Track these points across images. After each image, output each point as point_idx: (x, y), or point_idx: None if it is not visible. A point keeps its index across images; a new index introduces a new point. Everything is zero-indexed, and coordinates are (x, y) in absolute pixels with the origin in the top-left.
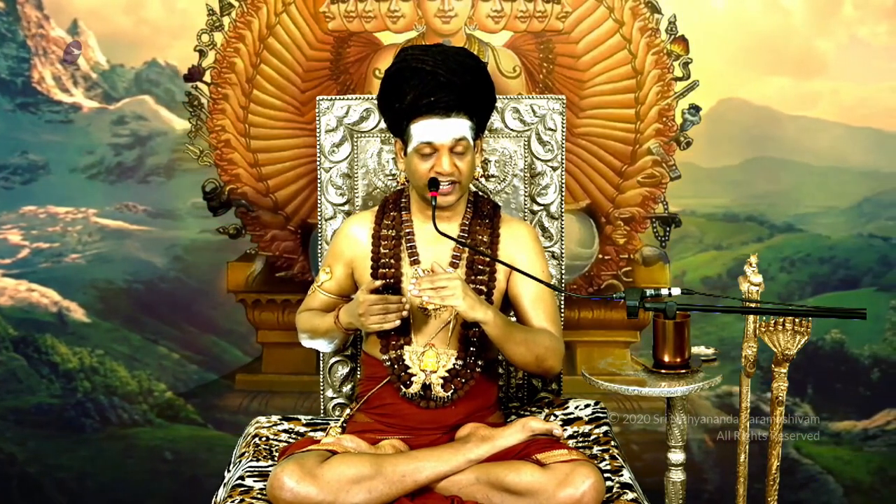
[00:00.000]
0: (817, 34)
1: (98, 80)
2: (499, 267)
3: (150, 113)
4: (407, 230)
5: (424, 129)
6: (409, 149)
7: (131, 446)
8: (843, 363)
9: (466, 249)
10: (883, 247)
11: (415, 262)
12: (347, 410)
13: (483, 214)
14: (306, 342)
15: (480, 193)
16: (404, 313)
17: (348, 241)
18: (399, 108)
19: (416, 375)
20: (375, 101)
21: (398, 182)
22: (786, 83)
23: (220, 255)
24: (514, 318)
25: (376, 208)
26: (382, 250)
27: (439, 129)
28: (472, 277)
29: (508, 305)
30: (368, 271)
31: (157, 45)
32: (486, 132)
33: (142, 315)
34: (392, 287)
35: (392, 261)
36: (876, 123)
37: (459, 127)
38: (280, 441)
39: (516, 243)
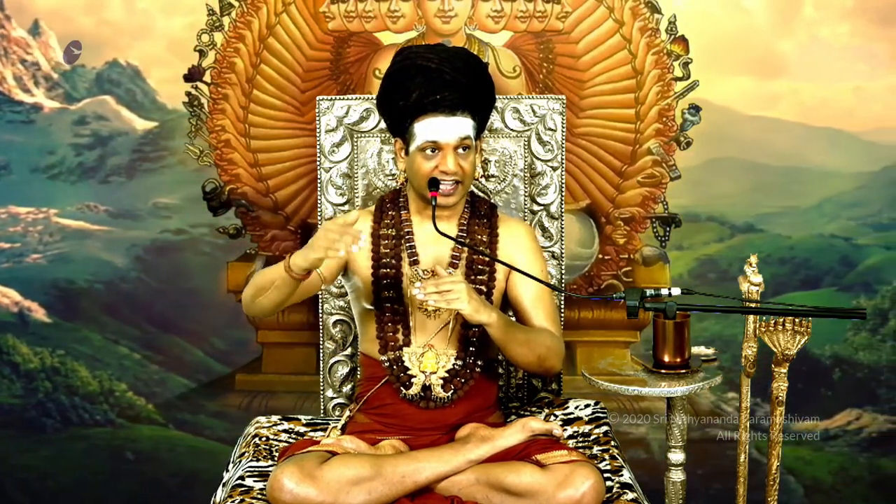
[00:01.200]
0: (778, 35)
1: (59, 80)
2: (498, 267)
3: (112, 113)
4: (406, 230)
5: (429, 128)
6: (412, 147)
7: (93, 446)
8: (805, 363)
9: (465, 249)
10: (843, 247)
11: (414, 262)
12: (347, 412)
13: (481, 214)
14: (249, 303)
15: (477, 193)
16: (360, 245)
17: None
18: (403, 106)
19: (415, 377)
20: (375, 101)
21: (398, 182)
22: (747, 83)
23: (180, 255)
24: (512, 318)
25: (373, 207)
26: (383, 250)
27: (444, 128)
28: (472, 277)
29: (506, 305)
30: (366, 268)
31: (118, 45)
32: (486, 132)
33: (103, 315)
34: (393, 286)
35: (392, 260)
36: (836, 124)
37: (464, 126)
38: (280, 441)
39: (515, 243)
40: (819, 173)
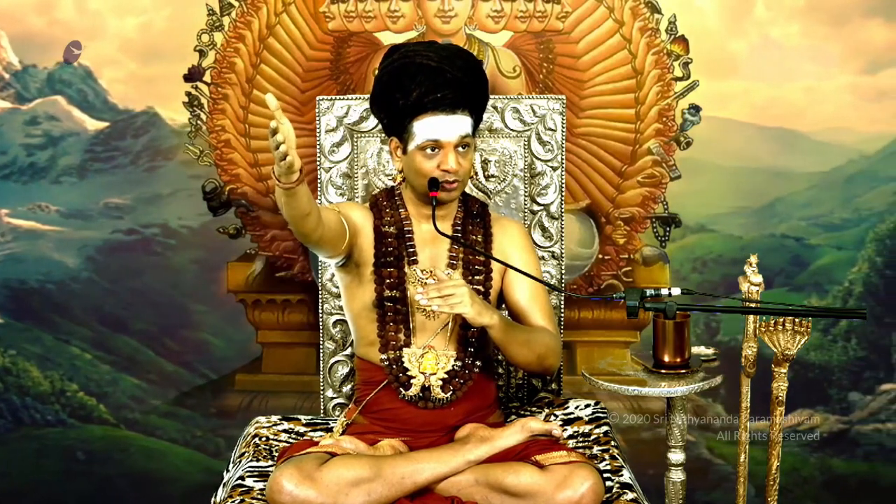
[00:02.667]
0: (730, 35)
1: (10, 80)
2: (494, 266)
3: (63, 113)
4: (407, 229)
5: (430, 126)
6: (411, 146)
7: (44, 447)
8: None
9: (462, 249)
10: (795, 247)
11: (413, 262)
12: (343, 419)
13: (473, 213)
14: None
15: (468, 192)
16: (283, 136)
17: (359, 212)
18: (402, 105)
19: (415, 377)
20: (370, 101)
21: (395, 182)
22: (699, 84)
23: (132, 256)
24: (505, 314)
25: (368, 204)
26: (385, 248)
27: (446, 126)
28: (469, 277)
29: (500, 303)
30: (370, 260)
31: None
32: (486, 132)
33: (54, 315)
34: (396, 286)
35: (395, 259)
36: (787, 123)
37: (464, 124)
38: (280, 441)
39: (510, 242)
40: (771, 173)
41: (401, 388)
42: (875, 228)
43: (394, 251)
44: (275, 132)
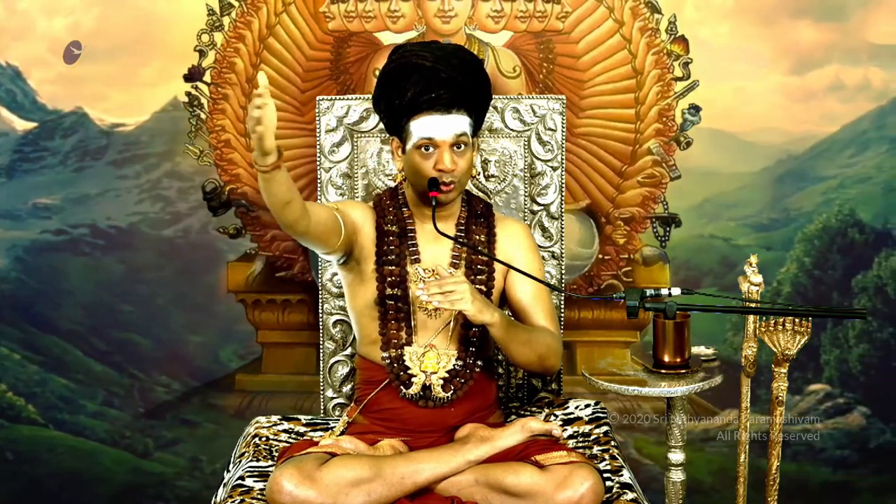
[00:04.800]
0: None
1: None
2: (496, 266)
3: None
4: (409, 228)
5: (425, 126)
6: (409, 146)
7: None
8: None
9: (465, 249)
10: (723, 247)
11: (415, 262)
12: (344, 417)
13: (477, 214)
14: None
15: (472, 192)
16: (263, 84)
17: (360, 210)
18: (399, 105)
19: (415, 376)
20: (372, 100)
21: (395, 181)
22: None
23: (60, 256)
24: (508, 315)
25: (371, 203)
26: (388, 247)
27: (440, 126)
28: (472, 277)
29: (503, 303)
30: (371, 258)
31: None
32: (486, 132)
33: None
34: (397, 285)
35: (397, 258)
36: (717, 124)
37: (460, 123)
38: (280, 441)
39: (513, 242)
40: (700, 173)
41: (401, 387)
42: (803, 229)
43: (395, 249)
44: (257, 109)
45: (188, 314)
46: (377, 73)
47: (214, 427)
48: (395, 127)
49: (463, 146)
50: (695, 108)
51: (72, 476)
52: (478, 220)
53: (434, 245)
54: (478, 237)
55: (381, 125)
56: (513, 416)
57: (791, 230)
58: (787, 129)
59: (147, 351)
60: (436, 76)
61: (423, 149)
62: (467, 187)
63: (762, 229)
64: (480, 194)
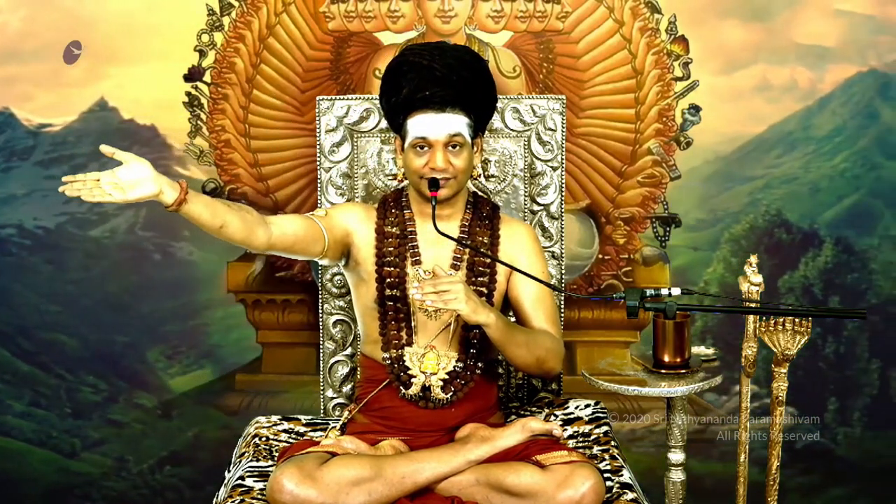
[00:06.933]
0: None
1: None
2: (499, 268)
3: None
4: (410, 229)
5: (419, 124)
6: (406, 144)
7: None
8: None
9: (467, 250)
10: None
11: (416, 262)
12: (346, 413)
13: (483, 215)
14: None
15: (480, 194)
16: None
17: (356, 212)
18: (395, 103)
19: (415, 377)
20: (375, 101)
21: (397, 180)
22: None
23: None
24: (513, 319)
25: (376, 205)
26: (387, 248)
27: (434, 125)
28: (473, 279)
29: (507, 306)
30: (370, 262)
31: None
32: (486, 132)
33: None
34: (396, 285)
35: (396, 259)
36: None
37: (455, 122)
38: (280, 441)
39: (516, 244)
40: None
41: (401, 387)
42: (730, 229)
43: (395, 251)
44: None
45: (115, 314)
46: (377, 73)
47: (141, 427)
48: (395, 125)
49: (458, 146)
50: (695, 108)
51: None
52: (482, 221)
53: (436, 246)
54: (481, 238)
55: (382, 125)
56: (513, 417)
57: (718, 230)
58: (715, 130)
59: (74, 351)
60: (430, 74)
61: (417, 147)
62: (473, 189)
63: (689, 229)
64: (483, 195)
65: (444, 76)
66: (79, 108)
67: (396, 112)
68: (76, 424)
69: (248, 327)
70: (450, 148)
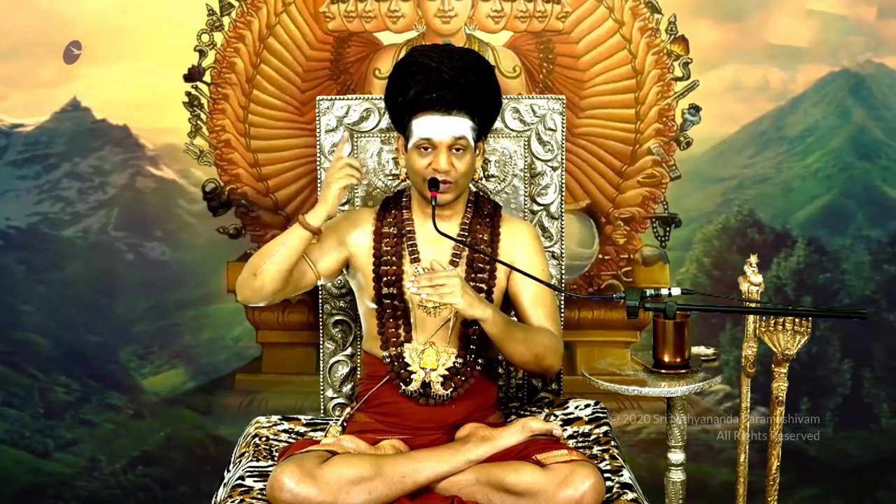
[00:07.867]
0: None
1: None
2: (499, 265)
3: None
4: (408, 228)
5: (424, 125)
6: (410, 144)
7: None
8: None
9: (467, 248)
10: None
11: (415, 261)
12: (347, 410)
13: (484, 214)
14: (248, 278)
15: (481, 193)
16: (357, 177)
17: (350, 224)
18: (402, 103)
19: (415, 373)
20: (375, 101)
21: (399, 180)
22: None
23: None
24: (513, 317)
25: (377, 207)
26: (384, 248)
27: (439, 126)
28: (473, 276)
29: (508, 304)
30: (368, 265)
31: None
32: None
33: None
34: (393, 284)
35: (393, 258)
36: None
37: (460, 125)
38: (280, 441)
39: (516, 242)
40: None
41: (401, 384)
42: (702, 229)
43: (391, 249)
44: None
45: (87, 314)
46: (377, 73)
47: (114, 427)
48: (400, 125)
49: (462, 149)
50: (695, 108)
51: None
52: (483, 220)
53: (435, 245)
54: (481, 237)
55: (382, 125)
56: (513, 416)
57: (690, 230)
58: (687, 130)
59: (46, 351)
60: (438, 76)
61: (421, 148)
62: (475, 188)
63: None
64: (484, 195)
65: (452, 79)
66: (51, 109)
67: (402, 112)
68: (49, 424)
69: (247, 326)
70: (453, 150)
